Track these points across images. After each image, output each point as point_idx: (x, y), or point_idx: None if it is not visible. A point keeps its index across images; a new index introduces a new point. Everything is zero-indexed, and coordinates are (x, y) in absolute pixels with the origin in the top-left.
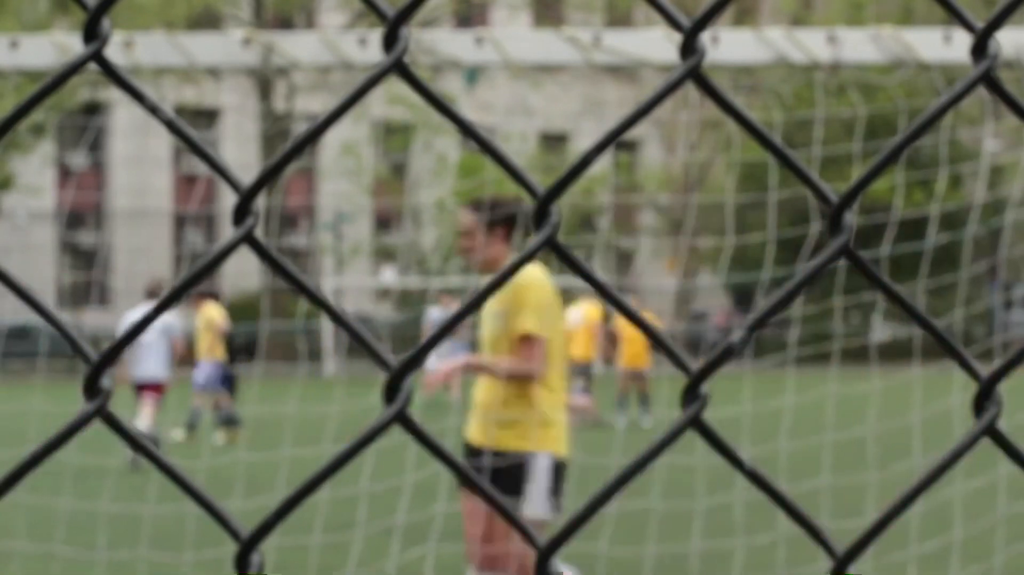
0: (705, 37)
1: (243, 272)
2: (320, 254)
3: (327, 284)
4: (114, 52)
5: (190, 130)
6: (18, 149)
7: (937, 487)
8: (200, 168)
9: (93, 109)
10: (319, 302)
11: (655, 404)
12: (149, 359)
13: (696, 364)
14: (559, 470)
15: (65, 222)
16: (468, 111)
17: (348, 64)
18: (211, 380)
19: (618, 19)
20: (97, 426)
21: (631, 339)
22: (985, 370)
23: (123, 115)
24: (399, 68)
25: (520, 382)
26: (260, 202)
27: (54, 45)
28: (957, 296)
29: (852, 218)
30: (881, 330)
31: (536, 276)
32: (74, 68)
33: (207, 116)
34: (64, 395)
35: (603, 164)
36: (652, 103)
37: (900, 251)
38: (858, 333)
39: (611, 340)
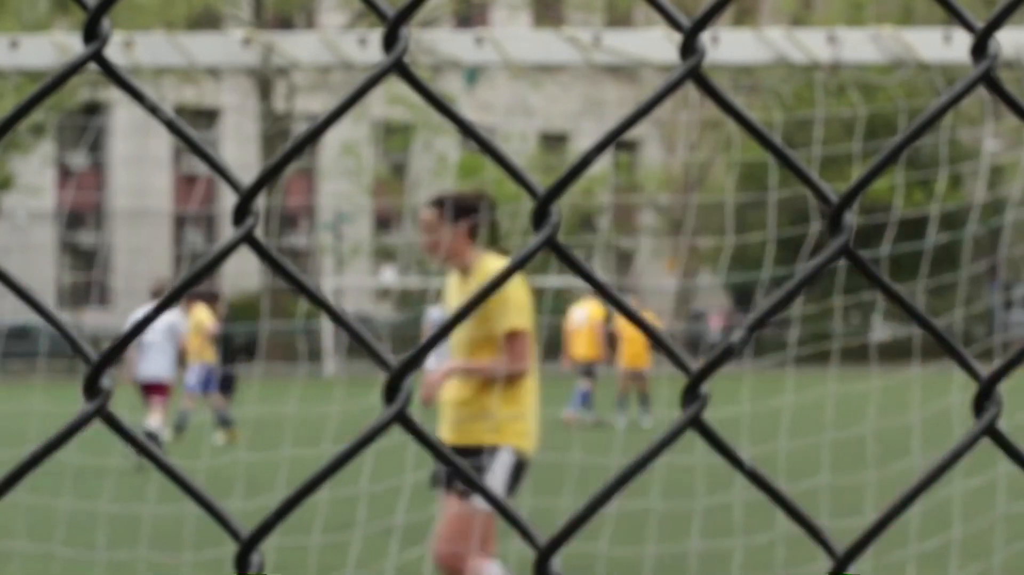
0: (705, 37)
1: (243, 272)
2: (320, 254)
3: (327, 284)
4: (114, 52)
5: (190, 130)
6: (18, 149)
7: (936, 486)
8: (200, 168)
9: (93, 109)
10: (319, 302)
11: (655, 404)
12: (154, 359)
13: (696, 364)
14: (519, 467)
15: (65, 222)
16: (468, 111)
17: (348, 64)
18: (201, 383)
19: (618, 19)
20: (97, 426)
21: (631, 339)
22: (985, 370)
23: (123, 115)
24: (399, 68)
25: (507, 379)
26: (260, 202)
27: (54, 45)
28: (957, 296)
29: (852, 218)
30: (881, 330)
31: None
32: (74, 68)
33: (207, 116)
34: (64, 395)
35: (603, 164)
36: (652, 103)
37: (900, 251)
38: (858, 333)
39: (611, 340)
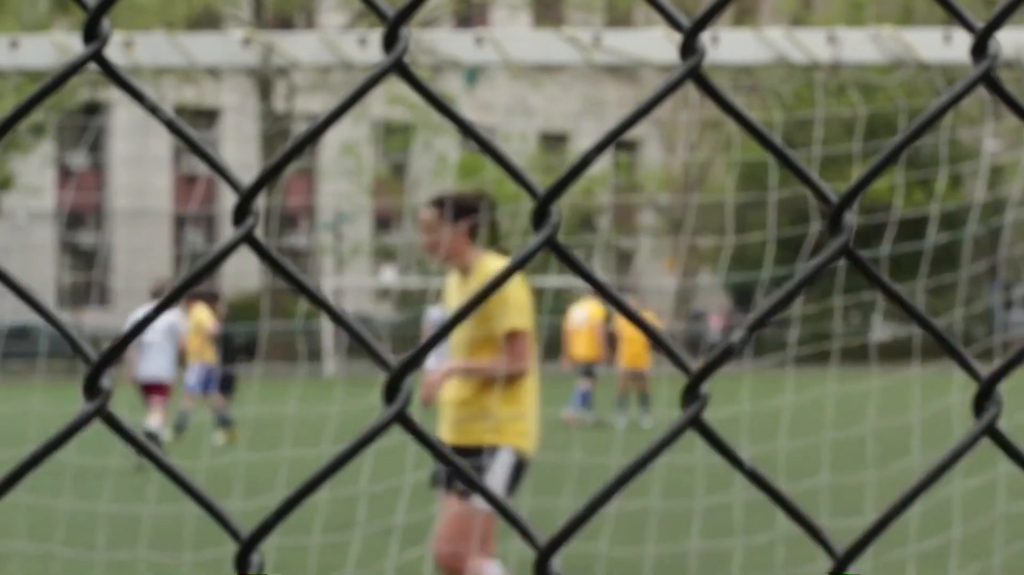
0: (705, 37)
1: (243, 272)
2: (320, 254)
3: (327, 284)
4: (114, 52)
5: (190, 130)
6: (18, 149)
7: (936, 486)
8: (200, 168)
9: (93, 109)
10: (319, 302)
11: (655, 404)
12: (154, 359)
13: (696, 364)
14: (519, 467)
15: (65, 222)
16: (468, 111)
17: (348, 64)
18: (201, 383)
19: (618, 19)
20: (97, 426)
21: (631, 339)
22: (985, 370)
23: (123, 115)
24: (399, 68)
25: (507, 379)
26: (260, 202)
27: (54, 45)
28: (957, 296)
29: (852, 218)
30: (881, 330)
31: (504, 264)
32: (74, 68)
33: (207, 116)
34: (64, 395)
35: (603, 164)
36: (652, 103)
37: (900, 251)
38: (858, 332)
39: (611, 340)
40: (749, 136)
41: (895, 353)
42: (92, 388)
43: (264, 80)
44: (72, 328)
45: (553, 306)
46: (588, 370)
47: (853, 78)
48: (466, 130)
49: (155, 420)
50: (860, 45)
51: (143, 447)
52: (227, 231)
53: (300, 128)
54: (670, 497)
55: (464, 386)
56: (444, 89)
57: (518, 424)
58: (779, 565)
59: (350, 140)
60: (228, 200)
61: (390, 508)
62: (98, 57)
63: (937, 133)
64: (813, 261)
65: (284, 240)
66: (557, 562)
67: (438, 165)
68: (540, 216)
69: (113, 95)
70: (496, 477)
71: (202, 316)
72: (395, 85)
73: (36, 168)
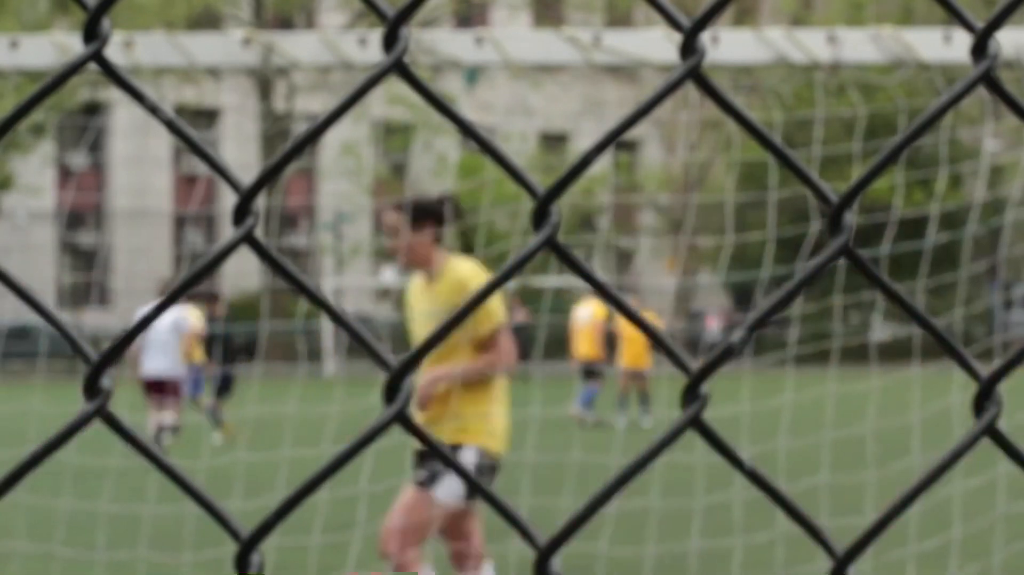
0: (705, 37)
1: (243, 272)
2: (320, 254)
3: (327, 284)
4: (114, 52)
5: (190, 130)
6: (18, 149)
7: (936, 486)
8: (200, 168)
9: (93, 109)
10: (319, 302)
11: (655, 404)
12: (158, 357)
13: (696, 364)
14: (485, 468)
15: (65, 222)
16: (468, 111)
17: (348, 64)
18: (190, 385)
19: (618, 19)
20: (97, 426)
21: (632, 339)
22: (985, 370)
23: (123, 115)
24: (399, 68)
25: (485, 378)
26: (260, 202)
27: (54, 45)
28: (957, 296)
29: (852, 218)
30: (881, 329)
31: (479, 271)
32: (74, 68)
33: (207, 116)
34: (64, 395)
35: (603, 164)
36: (652, 103)
37: (900, 250)
38: (858, 332)
39: (611, 340)
40: (749, 136)
41: (895, 353)
42: (92, 388)
43: (264, 80)
44: (72, 328)
45: (553, 306)
46: (588, 369)
47: (853, 78)
48: (466, 130)
49: (169, 416)
50: (860, 45)
51: (143, 447)
52: (227, 231)
53: (300, 128)
54: (670, 496)
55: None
56: (444, 89)
57: (485, 423)
58: (779, 564)
59: (350, 140)
60: (228, 200)
61: (390, 508)
62: (98, 57)
63: (937, 133)
64: (813, 261)
65: (284, 240)
66: (557, 562)
67: (438, 165)
68: (540, 216)
69: (113, 95)
70: (457, 479)
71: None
72: (395, 85)
73: (36, 168)
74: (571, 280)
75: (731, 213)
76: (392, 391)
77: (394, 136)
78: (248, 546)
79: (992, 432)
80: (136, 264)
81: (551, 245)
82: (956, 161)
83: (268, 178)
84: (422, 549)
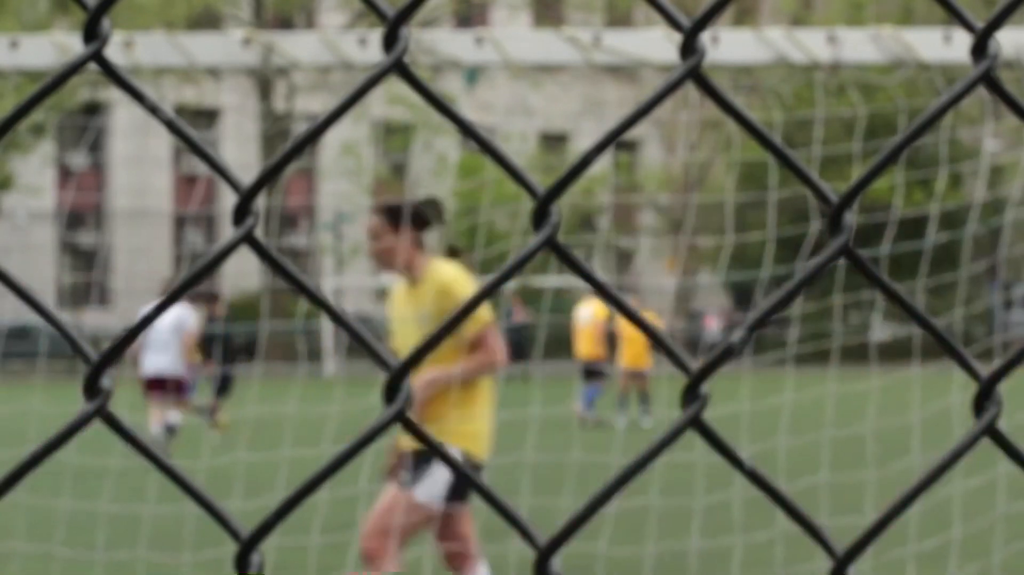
0: (705, 37)
1: (243, 272)
2: (320, 254)
3: (327, 284)
4: (114, 52)
5: (190, 130)
6: (18, 149)
7: (936, 486)
8: (200, 168)
9: (93, 109)
10: (319, 302)
11: (655, 404)
12: (162, 355)
13: (696, 364)
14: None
15: (65, 222)
16: (468, 111)
17: (348, 64)
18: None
19: (618, 19)
20: (97, 426)
21: (632, 339)
22: (985, 370)
23: (123, 115)
24: (399, 68)
25: (470, 380)
26: (260, 202)
27: (54, 45)
28: (957, 295)
29: (852, 218)
30: (881, 329)
31: (459, 272)
32: (74, 68)
33: (207, 116)
34: (64, 395)
35: (603, 164)
36: (652, 103)
37: (900, 250)
38: (858, 332)
39: (611, 340)
40: (749, 136)
41: (895, 353)
42: (92, 388)
43: (264, 80)
44: (72, 328)
45: (553, 306)
46: (591, 369)
47: (853, 78)
48: (466, 130)
49: (175, 415)
50: (860, 45)
51: (143, 447)
52: (227, 231)
53: (300, 128)
54: (670, 495)
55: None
56: (444, 89)
57: (467, 426)
58: (779, 563)
59: (350, 140)
60: (228, 200)
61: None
62: (98, 57)
63: (937, 133)
64: (813, 261)
65: (284, 240)
66: (557, 562)
67: (438, 165)
68: (540, 216)
69: (113, 95)
70: (436, 481)
71: None
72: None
73: (36, 168)
74: (571, 280)
75: (731, 213)
76: (392, 391)
77: (394, 136)
78: (248, 546)
79: (992, 432)
80: (136, 264)
81: (551, 245)
82: (956, 161)
83: (268, 178)
84: (401, 550)
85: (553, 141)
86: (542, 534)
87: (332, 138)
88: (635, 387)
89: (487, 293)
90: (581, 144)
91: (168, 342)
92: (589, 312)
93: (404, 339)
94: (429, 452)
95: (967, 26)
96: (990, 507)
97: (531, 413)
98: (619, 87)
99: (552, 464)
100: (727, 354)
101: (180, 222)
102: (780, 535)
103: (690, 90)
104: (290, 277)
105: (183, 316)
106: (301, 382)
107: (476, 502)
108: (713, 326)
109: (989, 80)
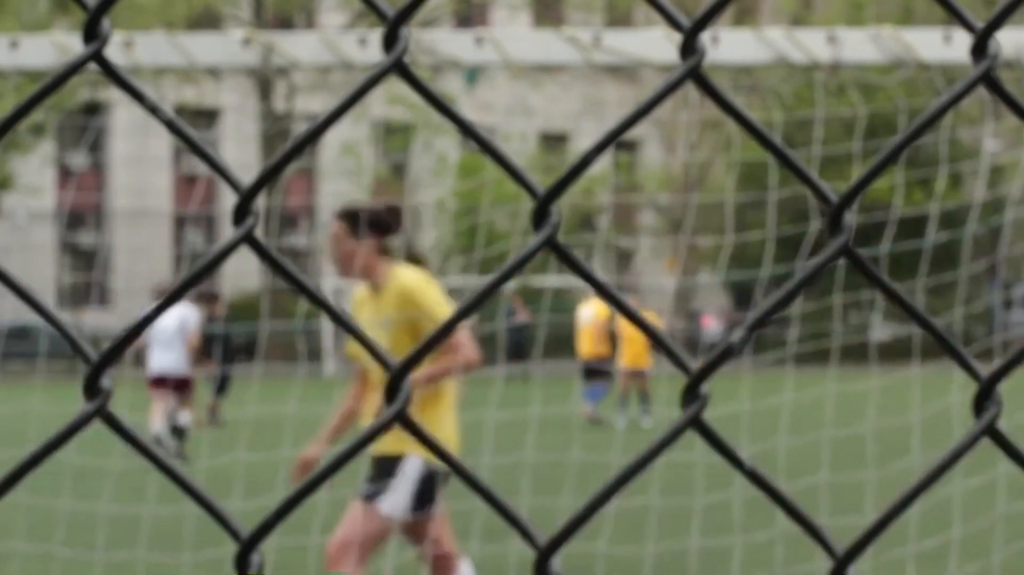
0: (705, 37)
1: (243, 272)
2: (320, 254)
3: (327, 284)
4: (114, 52)
5: (190, 130)
6: (18, 149)
7: (936, 485)
8: (200, 168)
9: (93, 109)
10: (319, 302)
11: (655, 404)
12: (167, 353)
13: (696, 364)
14: (430, 477)
15: (65, 222)
16: (468, 111)
17: (348, 64)
18: None
19: (618, 19)
20: (97, 426)
21: (632, 339)
22: (985, 370)
23: (123, 115)
24: (399, 68)
25: (436, 384)
26: (260, 202)
27: (54, 45)
28: (957, 295)
29: (852, 218)
30: (881, 329)
31: (421, 277)
32: (74, 68)
33: (207, 116)
34: (64, 395)
35: (603, 164)
36: (652, 103)
37: (900, 250)
38: (858, 332)
39: (612, 340)
40: (749, 136)
41: (895, 353)
42: (92, 388)
43: (264, 80)
44: (72, 328)
45: (553, 306)
46: (594, 368)
47: (853, 78)
48: (466, 130)
49: (184, 417)
50: (860, 45)
51: (143, 448)
52: (227, 231)
53: (300, 128)
54: (670, 495)
55: (381, 397)
56: (444, 89)
57: (433, 431)
58: (778, 563)
59: (350, 140)
60: (228, 200)
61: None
62: (98, 57)
63: (937, 133)
64: (813, 260)
65: (284, 240)
66: (557, 562)
67: (438, 165)
68: (540, 216)
69: (113, 95)
70: (400, 487)
71: None
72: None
73: (36, 168)
74: (571, 280)
75: (731, 213)
76: (392, 391)
77: (394, 136)
78: (248, 546)
79: (992, 432)
80: (136, 264)
81: (551, 245)
82: (956, 161)
83: (268, 178)
84: (365, 562)
85: (553, 141)
86: (542, 534)
87: (332, 138)
88: (635, 387)
89: (488, 293)
90: (581, 144)
91: (171, 341)
92: (591, 312)
93: (384, 344)
94: (391, 459)
95: (967, 26)
96: (990, 507)
97: (531, 413)
98: (619, 87)
99: (552, 464)
100: (727, 354)
101: (180, 222)
102: (780, 535)
103: (690, 90)
104: (290, 277)
105: (186, 316)
106: (301, 382)
107: (476, 502)
108: (711, 325)
109: (989, 80)
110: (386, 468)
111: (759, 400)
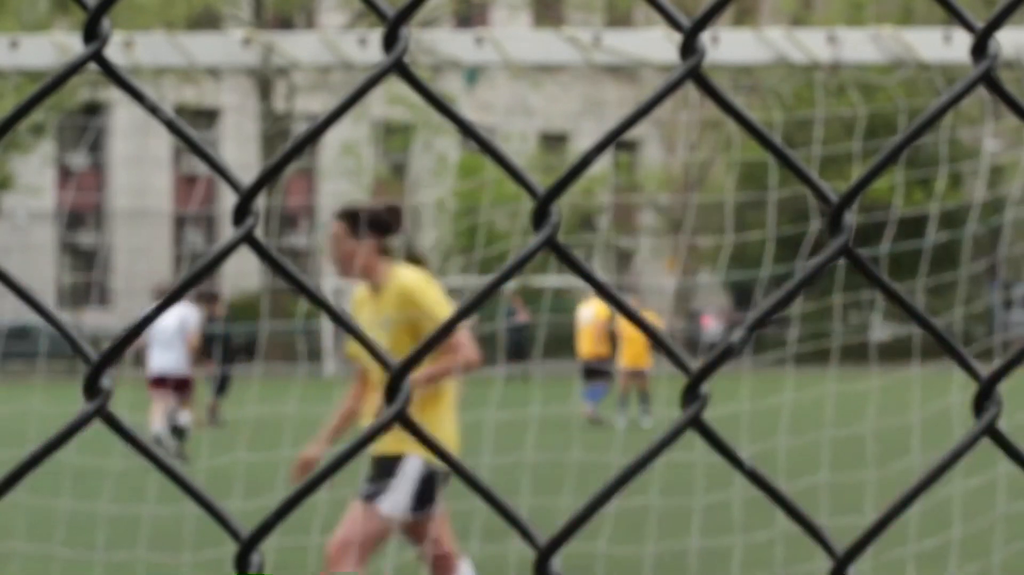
0: (705, 37)
1: (243, 272)
2: (320, 254)
3: (327, 284)
4: (114, 52)
5: (190, 130)
6: (18, 149)
7: (936, 485)
8: (200, 168)
9: (93, 109)
10: (319, 302)
11: (655, 404)
12: (167, 353)
13: (696, 364)
14: (430, 478)
15: (65, 222)
16: (468, 111)
17: (348, 64)
18: None
19: (618, 19)
20: (97, 426)
21: (632, 339)
22: (985, 370)
23: (123, 115)
24: (399, 68)
25: (436, 384)
26: (260, 202)
27: (54, 45)
28: (957, 295)
29: (852, 218)
30: (881, 329)
31: (421, 277)
32: (74, 68)
33: (207, 116)
34: (64, 395)
35: (603, 164)
36: (652, 103)
37: (900, 250)
38: (858, 332)
39: (612, 340)
40: (749, 136)
41: (895, 353)
42: (92, 388)
43: (264, 80)
44: (72, 328)
45: (553, 306)
46: (594, 368)
47: (853, 78)
48: (466, 130)
49: (184, 417)
50: (860, 45)
51: (143, 448)
52: (227, 231)
53: (300, 128)
54: (670, 495)
55: (380, 396)
56: (444, 89)
57: (432, 432)
58: (778, 563)
59: (350, 140)
60: (228, 200)
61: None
62: (98, 57)
63: (937, 133)
64: (813, 260)
65: (284, 240)
66: (557, 562)
67: (438, 165)
68: (540, 216)
69: (113, 95)
70: (401, 487)
71: None
72: (395, 85)
73: (36, 168)
74: (571, 280)
75: (731, 213)
76: (392, 391)
77: (394, 136)
78: (248, 546)
79: (992, 432)
80: (136, 264)
81: (551, 245)
82: (956, 161)
83: (268, 178)
84: (366, 562)
85: (553, 141)
86: (542, 534)
87: (332, 138)
88: (635, 387)
89: (488, 293)
90: (581, 144)
91: (171, 341)
92: (591, 312)
93: (385, 344)
94: (391, 459)
95: (967, 26)
96: (990, 507)
97: (531, 413)
98: (619, 87)
99: (552, 464)
100: (727, 354)
101: (180, 222)
102: (780, 535)
103: (690, 90)
104: (290, 277)
105: (186, 315)
106: (301, 382)
107: (476, 502)
108: (711, 325)
109: (989, 80)
110: (386, 468)
111: (759, 400)
